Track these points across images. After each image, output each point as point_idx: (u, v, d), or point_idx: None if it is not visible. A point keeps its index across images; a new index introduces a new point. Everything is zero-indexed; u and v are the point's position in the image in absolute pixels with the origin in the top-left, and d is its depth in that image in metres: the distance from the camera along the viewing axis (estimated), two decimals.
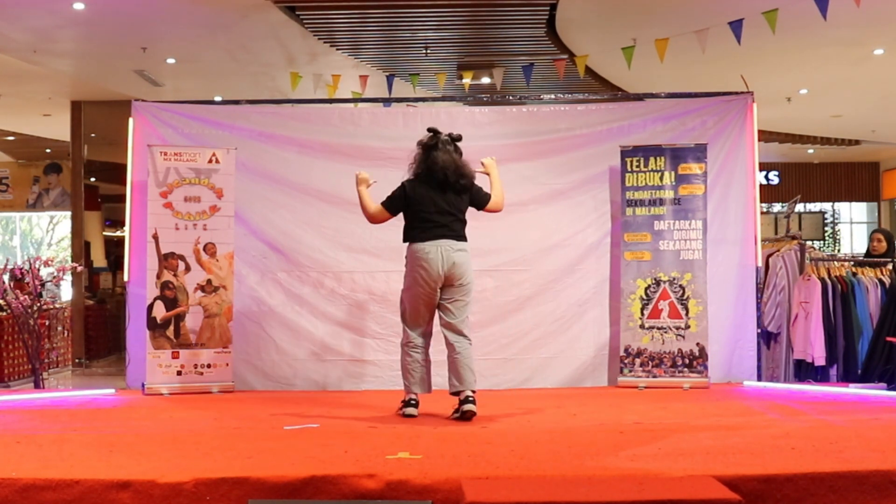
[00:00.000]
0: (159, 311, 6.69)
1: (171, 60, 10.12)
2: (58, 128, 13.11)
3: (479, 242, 7.04)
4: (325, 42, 9.60)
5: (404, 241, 5.57)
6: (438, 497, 3.53)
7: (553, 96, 8.40)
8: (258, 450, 4.29)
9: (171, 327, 6.70)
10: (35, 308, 7.23)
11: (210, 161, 6.84)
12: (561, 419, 5.50)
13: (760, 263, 7.08)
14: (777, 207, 18.34)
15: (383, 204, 5.63)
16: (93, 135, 12.43)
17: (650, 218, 6.92)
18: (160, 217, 6.74)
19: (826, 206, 20.36)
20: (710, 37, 8.03)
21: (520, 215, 7.08)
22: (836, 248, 19.76)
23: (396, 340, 6.83)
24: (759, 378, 6.92)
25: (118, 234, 15.52)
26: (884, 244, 7.64)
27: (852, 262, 7.56)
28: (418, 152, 5.61)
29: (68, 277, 9.23)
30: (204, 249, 6.79)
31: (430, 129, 5.65)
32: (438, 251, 5.42)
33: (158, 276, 6.70)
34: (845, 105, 13.17)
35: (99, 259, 16.48)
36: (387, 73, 10.03)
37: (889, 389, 6.34)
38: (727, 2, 7.92)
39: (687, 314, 6.77)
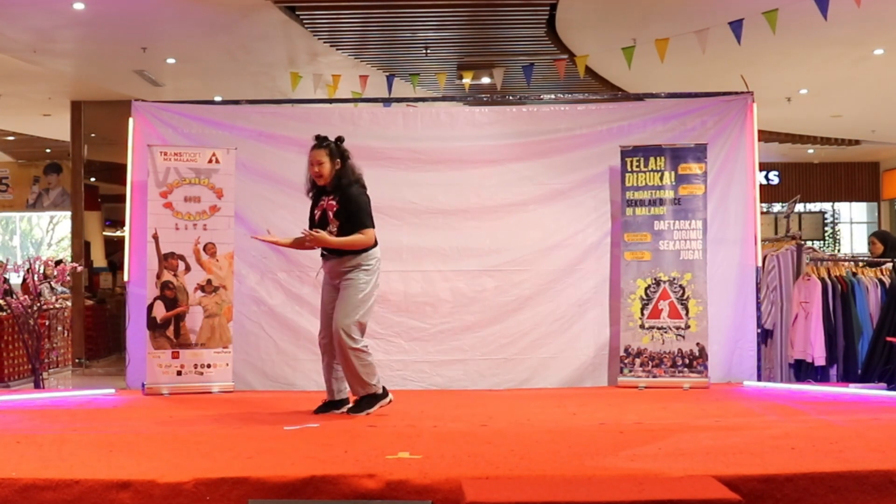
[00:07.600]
0: (159, 311, 6.69)
1: (171, 60, 10.12)
2: (58, 128, 13.10)
3: (480, 242, 7.11)
4: (325, 42, 9.59)
5: (373, 245, 5.54)
6: (438, 497, 3.53)
7: (553, 96, 8.40)
8: (258, 450, 4.29)
9: (171, 327, 6.70)
10: (35, 308, 7.23)
11: (210, 161, 6.84)
12: (561, 419, 5.50)
13: (761, 263, 7.08)
14: (777, 207, 18.33)
15: (371, 225, 5.54)
16: (93, 135, 12.42)
17: (650, 218, 6.91)
18: (160, 217, 6.74)
19: (826, 206, 20.35)
20: (710, 37, 8.02)
21: (520, 215, 7.10)
22: (836, 248, 19.74)
23: (397, 340, 6.93)
24: (759, 378, 6.92)
25: (118, 234, 15.51)
26: (879, 246, 7.64)
27: (853, 263, 7.55)
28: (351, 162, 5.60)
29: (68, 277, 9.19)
30: (204, 249, 6.79)
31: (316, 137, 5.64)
32: None
33: (158, 276, 6.70)
34: (845, 105, 13.16)
35: (99, 259, 16.48)
36: (387, 73, 10.02)
37: (889, 389, 6.34)
38: (727, 2, 7.92)
39: (687, 314, 6.77)
